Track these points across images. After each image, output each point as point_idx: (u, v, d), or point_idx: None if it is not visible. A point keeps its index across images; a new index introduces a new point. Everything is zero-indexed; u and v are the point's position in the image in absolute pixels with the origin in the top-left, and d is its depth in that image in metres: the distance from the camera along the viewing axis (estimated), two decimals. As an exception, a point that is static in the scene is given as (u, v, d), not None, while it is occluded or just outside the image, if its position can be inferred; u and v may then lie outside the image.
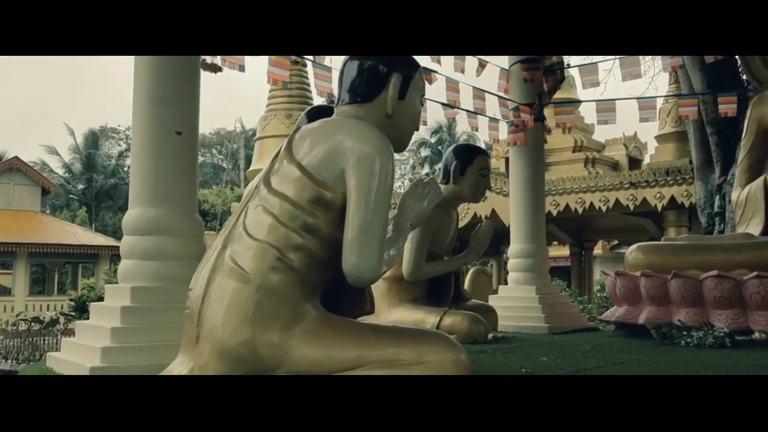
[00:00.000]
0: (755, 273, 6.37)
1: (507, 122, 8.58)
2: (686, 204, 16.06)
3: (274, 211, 2.59)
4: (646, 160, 21.52)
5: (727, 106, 8.52)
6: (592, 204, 17.23)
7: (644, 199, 16.57)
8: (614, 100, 8.54)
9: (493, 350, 5.78)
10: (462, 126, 48.45)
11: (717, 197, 9.89)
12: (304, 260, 2.58)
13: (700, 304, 6.76)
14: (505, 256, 29.18)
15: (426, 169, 51.17)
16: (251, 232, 2.61)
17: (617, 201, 16.91)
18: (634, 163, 21.72)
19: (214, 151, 63.53)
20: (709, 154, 10.07)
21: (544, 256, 8.67)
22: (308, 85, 20.14)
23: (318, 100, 12.41)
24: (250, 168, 22.12)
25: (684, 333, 6.26)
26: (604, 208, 17.11)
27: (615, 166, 21.17)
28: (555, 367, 4.66)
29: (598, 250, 27.21)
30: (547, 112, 9.01)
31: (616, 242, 29.77)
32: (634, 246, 7.82)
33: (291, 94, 19.78)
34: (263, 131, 20.60)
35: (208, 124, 69.06)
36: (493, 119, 8.74)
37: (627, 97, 8.65)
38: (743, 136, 8.35)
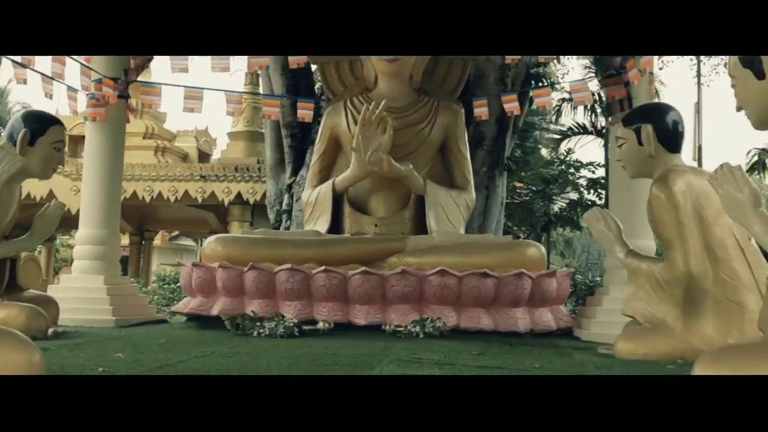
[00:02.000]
0: (323, 267, 6.87)
1: (87, 95, 7.72)
2: (251, 200, 16.82)
3: None
4: (216, 155, 21.97)
5: (304, 112, 9.08)
6: (161, 193, 16.85)
7: (213, 192, 16.84)
8: (204, 89, 8.38)
9: (56, 347, 5.05)
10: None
11: (286, 196, 10.55)
12: None
13: (272, 296, 7.02)
14: (57, 242, 26.69)
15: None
16: None
17: (186, 192, 16.84)
18: (204, 156, 21.96)
19: None
20: (283, 154, 10.69)
21: (115, 244, 8.05)
22: None
23: None
24: None
25: (257, 324, 6.39)
26: (172, 198, 16.88)
27: (185, 157, 21.10)
28: (135, 364, 4.25)
29: (157, 240, 26.81)
30: (132, 91, 8.42)
31: (176, 233, 29.77)
32: (212, 237, 7.75)
33: None
34: None
35: None
36: (71, 88, 7.76)
37: (218, 88, 8.59)
38: (317, 141, 9.02)
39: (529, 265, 7.04)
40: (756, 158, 19.15)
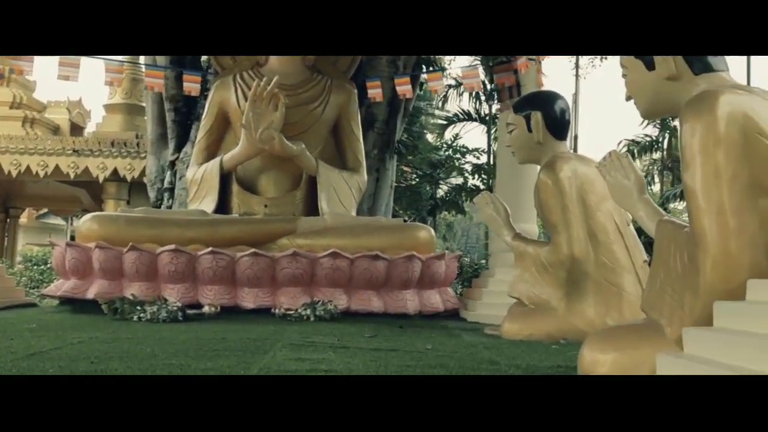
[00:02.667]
0: (209, 249, 6.61)
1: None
2: (128, 177, 16.03)
3: None
4: (90, 128, 20.70)
5: (190, 85, 8.69)
6: (29, 167, 15.71)
7: (86, 168, 15.90)
8: (81, 55, 7.78)
9: None
10: None
11: (169, 173, 10.05)
12: None
13: (154, 278, 6.69)
14: None
15: None
16: None
17: (57, 167, 15.80)
18: (77, 129, 20.63)
19: None
20: (165, 129, 10.15)
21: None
22: None
23: None
24: None
25: (137, 308, 6.06)
26: (42, 173, 15.79)
27: (56, 130, 19.75)
28: (5, 351, 3.88)
29: (24, 218, 25.05)
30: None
31: (44, 211, 27.95)
32: (88, 215, 7.29)
33: None
34: None
35: None
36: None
37: (97, 56, 7.97)
38: (204, 116, 8.65)
39: (419, 247, 7.09)
40: (627, 148, 20.31)
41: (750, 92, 3.49)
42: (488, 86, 14.79)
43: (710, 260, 3.21)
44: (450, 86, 17.80)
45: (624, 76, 3.89)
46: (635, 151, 19.85)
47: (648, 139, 20.22)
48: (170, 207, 9.71)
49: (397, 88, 8.86)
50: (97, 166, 15.97)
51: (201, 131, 8.61)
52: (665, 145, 20.02)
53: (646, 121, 20.85)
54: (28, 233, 27.54)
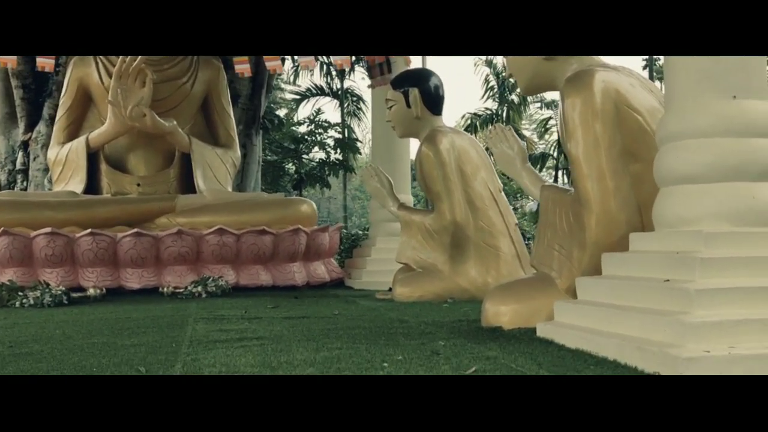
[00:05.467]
0: (89, 230, 6.40)
1: None
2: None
3: None
4: None
5: (45, 61, 8.18)
6: None
7: None
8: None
9: None
10: None
11: (21, 154, 9.41)
12: None
13: (30, 263, 6.39)
14: None
15: None
16: None
17: None
18: None
19: None
20: (14, 107, 9.44)
21: None
22: None
23: None
24: None
25: (19, 293, 5.79)
26: None
27: None
28: None
29: None
30: None
31: None
32: (-54, 200, 6.76)
33: None
34: None
35: None
36: None
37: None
38: (63, 94, 8.20)
39: (303, 221, 7.28)
40: (470, 121, 21.48)
41: (616, 70, 4.05)
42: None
43: (594, 218, 3.74)
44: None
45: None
46: (477, 123, 21.01)
47: (489, 112, 21.46)
48: (25, 189, 9.13)
49: (267, 64, 8.89)
50: None
51: (60, 109, 8.18)
52: (504, 117, 21.33)
53: (486, 96, 22.26)
54: None
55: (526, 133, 24.60)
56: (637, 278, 3.19)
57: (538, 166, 20.16)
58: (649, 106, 3.78)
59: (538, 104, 22.61)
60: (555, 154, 19.84)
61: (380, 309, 5.10)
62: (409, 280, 5.95)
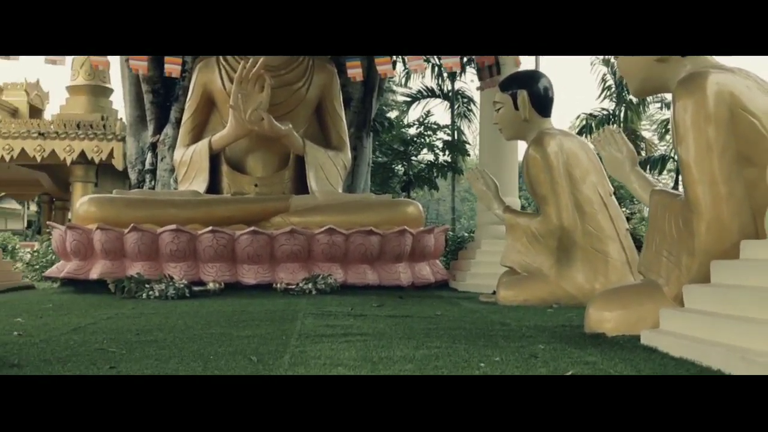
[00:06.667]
0: (210, 228, 6.81)
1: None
2: (96, 160, 15.91)
3: None
4: (53, 110, 20.34)
5: (172, 66, 8.76)
6: (-6, 152, 15.49)
7: (53, 151, 15.72)
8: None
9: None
10: None
11: (149, 155, 10.12)
12: None
13: (156, 258, 6.87)
14: None
15: None
16: None
17: (23, 151, 15.59)
18: (36, 112, 20.27)
19: None
20: (143, 111, 10.17)
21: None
22: None
23: None
24: None
25: (146, 286, 6.26)
26: (8, 158, 15.57)
27: (15, 112, 19.38)
28: (46, 328, 4.08)
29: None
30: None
31: (2, 194, 27.35)
32: (85, 198, 7.41)
33: None
34: None
35: None
36: None
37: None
38: (188, 98, 8.76)
39: (409, 222, 7.41)
40: (584, 122, 20.97)
41: (732, 72, 3.90)
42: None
43: (704, 225, 3.62)
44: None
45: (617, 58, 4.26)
46: (593, 124, 20.48)
47: (605, 112, 20.85)
48: (153, 188, 9.80)
49: (378, 68, 9.09)
50: (64, 148, 15.80)
51: (186, 113, 8.73)
52: (621, 118, 20.66)
53: (602, 96, 21.63)
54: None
55: (646, 135, 23.73)
56: (746, 287, 3.09)
57: (657, 169, 19.41)
58: (767, 109, 3.63)
59: (659, 104, 21.79)
60: (675, 157, 18.99)
61: (482, 311, 5.14)
62: (514, 284, 5.94)
